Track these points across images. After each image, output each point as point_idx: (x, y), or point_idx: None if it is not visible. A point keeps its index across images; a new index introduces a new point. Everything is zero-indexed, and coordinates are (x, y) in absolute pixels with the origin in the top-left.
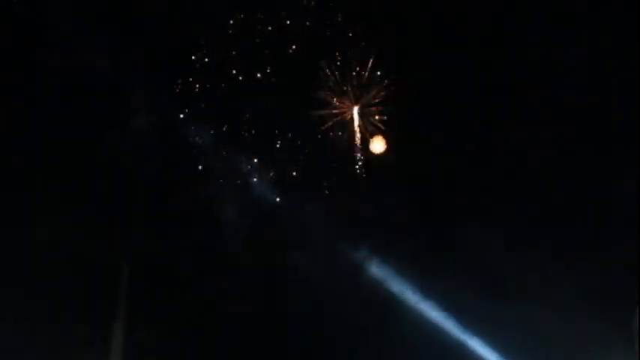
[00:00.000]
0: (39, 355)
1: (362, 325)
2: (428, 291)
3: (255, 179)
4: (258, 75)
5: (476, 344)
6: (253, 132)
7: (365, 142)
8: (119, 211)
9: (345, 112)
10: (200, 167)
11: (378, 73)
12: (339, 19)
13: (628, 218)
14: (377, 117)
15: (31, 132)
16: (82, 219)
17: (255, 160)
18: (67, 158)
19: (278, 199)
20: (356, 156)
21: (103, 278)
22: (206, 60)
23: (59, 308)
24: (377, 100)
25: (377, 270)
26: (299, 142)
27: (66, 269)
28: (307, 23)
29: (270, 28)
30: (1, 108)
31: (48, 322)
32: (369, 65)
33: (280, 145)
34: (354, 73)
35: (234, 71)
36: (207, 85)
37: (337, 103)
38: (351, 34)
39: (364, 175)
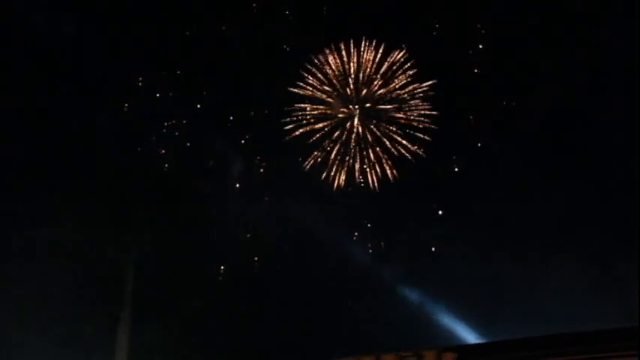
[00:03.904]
0: (45, 355)
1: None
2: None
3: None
4: None
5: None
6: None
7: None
8: (125, 213)
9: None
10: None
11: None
12: None
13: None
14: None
15: (36, 133)
16: (88, 220)
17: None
18: (73, 160)
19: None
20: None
21: (108, 279)
22: None
23: (65, 308)
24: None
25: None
26: None
27: (71, 270)
28: None
29: None
30: (5, 109)
31: (53, 323)
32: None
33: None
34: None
35: None
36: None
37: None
38: None
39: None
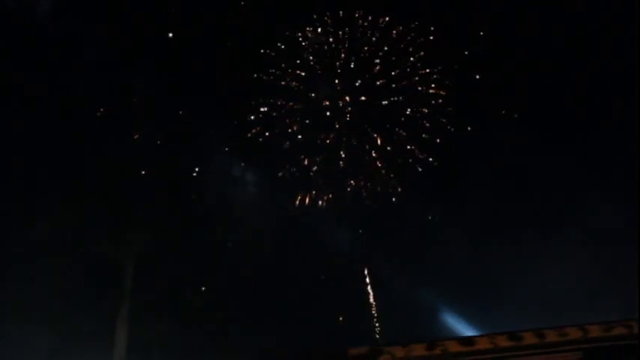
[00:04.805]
0: (44, 352)
1: None
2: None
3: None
4: None
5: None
6: None
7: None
8: (124, 210)
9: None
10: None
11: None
12: None
13: None
14: None
15: (36, 132)
16: (87, 217)
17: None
18: (73, 157)
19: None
20: None
21: (107, 276)
22: None
23: (64, 305)
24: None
25: None
26: None
27: (70, 267)
28: None
29: None
30: (7, 108)
31: (53, 320)
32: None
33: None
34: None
35: None
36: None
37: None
38: None
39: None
